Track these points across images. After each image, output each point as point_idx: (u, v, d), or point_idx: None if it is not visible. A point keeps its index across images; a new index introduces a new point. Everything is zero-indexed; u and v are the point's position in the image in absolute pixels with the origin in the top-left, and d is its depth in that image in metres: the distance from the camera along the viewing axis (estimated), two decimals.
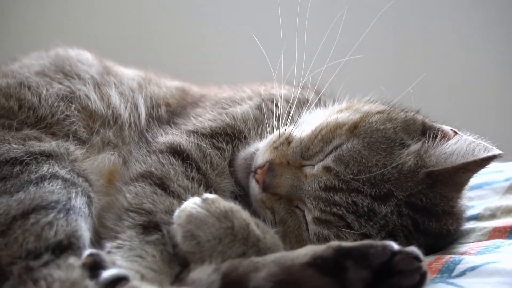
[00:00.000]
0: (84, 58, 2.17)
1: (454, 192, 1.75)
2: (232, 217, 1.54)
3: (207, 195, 1.58)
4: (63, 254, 1.46)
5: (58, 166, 1.69)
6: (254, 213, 1.71)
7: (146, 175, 1.75)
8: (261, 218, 1.74)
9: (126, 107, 2.04)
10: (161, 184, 1.72)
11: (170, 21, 4.53)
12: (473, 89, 4.28)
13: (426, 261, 1.57)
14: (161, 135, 1.94)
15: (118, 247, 1.53)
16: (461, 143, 1.70)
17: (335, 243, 1.43)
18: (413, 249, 1.37)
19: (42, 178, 1.61)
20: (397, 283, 1.35)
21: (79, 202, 1.60)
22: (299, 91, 2.01)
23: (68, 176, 1.67)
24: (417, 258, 1.36)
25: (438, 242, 1.74)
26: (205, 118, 1.99)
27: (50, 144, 1.77)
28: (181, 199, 1.65)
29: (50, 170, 1.66)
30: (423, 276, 1.36)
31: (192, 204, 1.55)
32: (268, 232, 1.59)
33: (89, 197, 1.67)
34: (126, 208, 1.65)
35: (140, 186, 1.71)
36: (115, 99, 2.04)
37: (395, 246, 1.37)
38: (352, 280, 1.36)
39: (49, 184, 1.60)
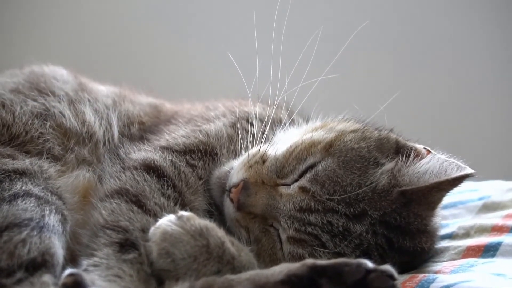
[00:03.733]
0: (59, 74, 2.15)
1: (428, 211, 1.75)
2: (207, 235, 1.54)
3: (182, 213, 1.57)
4: (37, 272, 1.46)
5: (32, 184, 1.68)
6: (229, 231, 1.71)
7: (121, 192, 1.73)
8: (236, 236, 1.73)
9: (100, 124, 2.02)
10: (137, 201, 1.70)
11: (146, 38, 4.54)
12: (446, 107, 4.32)
13: (401, 279, 1.58)
14: (134, 151, 1.91)
15: (95, 265, 1.51)
16: (433, 162, 1.71)
17: (309, 261, 1.43)
18: (388, 267, 1.37)
19: (15, 196, 1.60)
20: None
21: (52, 219, 1.59)
22: (273, 110, 2.00)
23: (42, 194, 1.66)
24: (392, 277, 1.36)
25: (413, 260, 1.75)
26: (178, 135, 1.97)
27: (23, 162, 1.76)
28: (157, 217, 1.63)
29: (23, 188, 1.65)
30: None
31: (167, 221, 1.55)
32: (243, 250, 1.59)
33: (63, 215, 1.65)
34: (102, 225, 1.63)
35: (116, 203, 1.68)
36: (90, 116, 2.01)
37: (369, 264, 1.37)
38: None
39: (22, 202, 1.59)
